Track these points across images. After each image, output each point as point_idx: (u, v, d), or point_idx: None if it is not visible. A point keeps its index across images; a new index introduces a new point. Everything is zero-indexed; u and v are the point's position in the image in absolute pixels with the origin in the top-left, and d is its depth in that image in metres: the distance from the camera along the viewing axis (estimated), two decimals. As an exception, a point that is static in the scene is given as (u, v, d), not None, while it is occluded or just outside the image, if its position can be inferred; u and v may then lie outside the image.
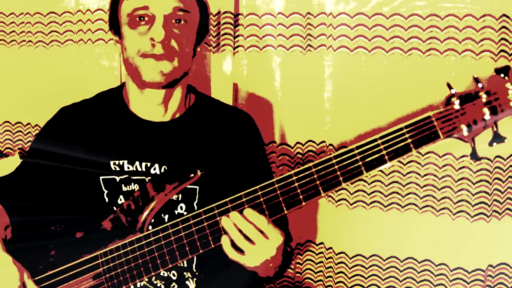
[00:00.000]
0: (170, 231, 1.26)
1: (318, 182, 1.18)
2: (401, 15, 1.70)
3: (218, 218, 1.22)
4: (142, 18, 1.34)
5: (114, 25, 1.43)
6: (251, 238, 1.20)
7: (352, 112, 1.79)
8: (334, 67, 1.78)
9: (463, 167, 1.72)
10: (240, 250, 1.21)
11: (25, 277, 1.29)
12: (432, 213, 1.77)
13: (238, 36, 1.87)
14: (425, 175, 1.76)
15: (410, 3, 1.68)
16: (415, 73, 1.71)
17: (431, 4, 1.67)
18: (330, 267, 1.91)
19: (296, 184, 1.19)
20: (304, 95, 1.84)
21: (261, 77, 1.87)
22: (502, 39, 1.62)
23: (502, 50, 1.63)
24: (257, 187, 1.22)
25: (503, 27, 1.61)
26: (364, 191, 1.82)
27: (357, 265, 1.88)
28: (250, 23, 1.84)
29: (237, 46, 1.87)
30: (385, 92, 1.76)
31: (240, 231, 1.20)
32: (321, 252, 1.93)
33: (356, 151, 1.16)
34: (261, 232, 1.20)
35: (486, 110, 1.10)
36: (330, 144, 1.83)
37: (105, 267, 1.30)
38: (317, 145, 1.87)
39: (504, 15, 1.61)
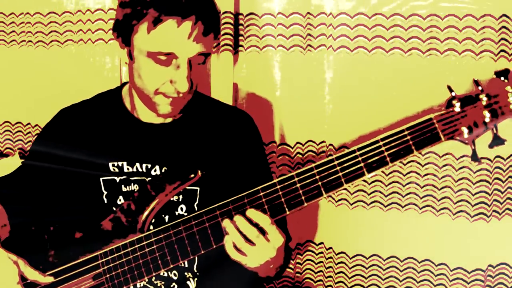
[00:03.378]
0: (172, 231, 1.26)
1: (320, 183, 1.18)
2: (401, 15, 1.70)
3: (219, 219, 1.22)
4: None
5: (124, 36, 1.31)
6: (252, 240, 1.20)
7: (352, 112, 1.79)
8: (334, 67, 1.78)
9: (463, 167, 1.72)
10: (241, 251, 1.21)
11: (22, 265, 1.28)
12: (432, 213, 1.77)
13: (238, 36, 1.87)
14: (425, 175, 1.76)
15: (410, 3, 1.68)
16: (415, 73, 1.71)
17: (431, 4, 1.67)
18: (330, 267, 1.91)
19: (298, 185, 1.19)
20: (304, 95, 1.84)
21: (261, 77, 1.87)
22: (502, 39, 1.62)
23: (502, 50, 1.63)
24: (258, 187, 1.21)
25: (503, 27, 1.61)
26: (364, 191, 1.83)
27: (357, 265, 1.88)
28: (250, 23, 1.84)
29: (237, 46, 1.87)
30: (385, 92, 1.76)
31: (241, 232, 1.20)
32: (321, 252, 1.94)
33: (358, 153, 1.16)
34: (263, 233, 1.20)
35: (486, 113, 1.12)
36: (330, 144, 1.83)
37: (105, 267, 1.30)
38: (317, 145, 1.87)
39: (504, 15, 1.61)
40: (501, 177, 1.71)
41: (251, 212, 1.20)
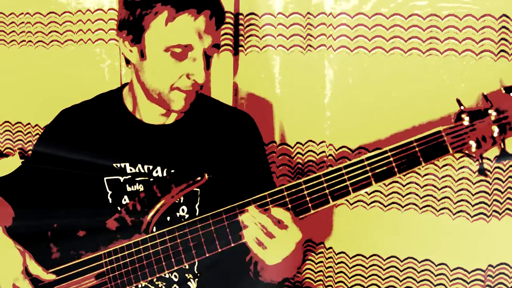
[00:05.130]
0: (177, 234, 1.26)
1: (327, 191, 1.19)
2: (401, 15, 1.70)
3: (225, 223, 1.23)
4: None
5: (135, 34, 1.30)
6: (271, 232, 1.19)
7: (352, 112, 1.79)
8: (334, 67, 1.78)
9: (463, 167, 1.72)
10: (262, 244, 1.20)
11: (27, 259, 1.30)
12: (432, 213, 1.77)
13: (238, 36, 1.87)
14: (425, 175, 1.76)
15: (410, 3, 1.68)
16: (415, 73, 1.71)
17: (431, 4, 1.67)
18: (330, 267, 1.91)
19: (305, 192, 1.20)
20: (304, 95, 1.84)
21: (261, 77, 1.87)
22: (502, 39, 1.62)
23: (502, 50, 1.63)
24: (266, 193, 1.22)
25: (503, 27, 1.61)
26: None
27: (357, 265, 1.88)
28: (250, 23, 1.84)
29: (237, 46, 1.87)
30: (385, 92, 1.76)
31: (260, 224, 1.20)
32: (321, 252, 1.94)
33: (366, 162, 1.18)
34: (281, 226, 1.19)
35: (495, 128, 1.14)
36: (330, 144, 1.83)
37: (108, 266, 1.31)
38: (317, 145, 1.87)
39: (504, 15, 1.61)
40: (501, 177, 1.71)
41: (276, 211, 1.20)
